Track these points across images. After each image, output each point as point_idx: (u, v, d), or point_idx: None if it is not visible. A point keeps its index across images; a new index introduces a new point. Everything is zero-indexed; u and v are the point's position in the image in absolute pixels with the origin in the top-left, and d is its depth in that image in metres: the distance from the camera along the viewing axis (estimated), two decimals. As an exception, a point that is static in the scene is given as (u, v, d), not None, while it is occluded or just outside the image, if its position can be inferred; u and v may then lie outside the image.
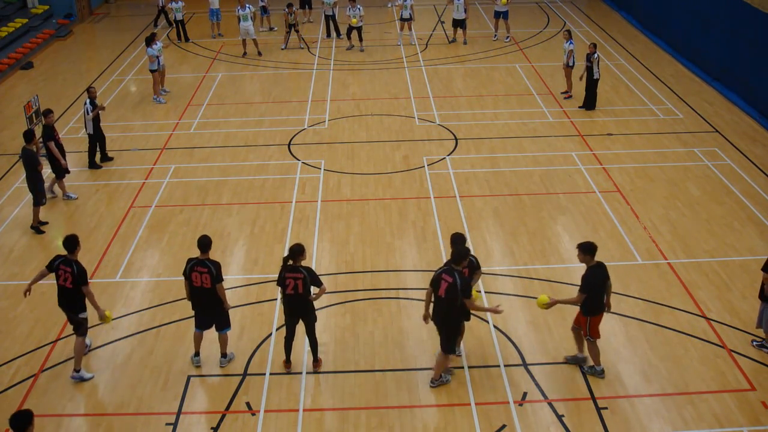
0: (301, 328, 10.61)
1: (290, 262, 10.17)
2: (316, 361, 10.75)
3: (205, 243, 10.43)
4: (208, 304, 10.51)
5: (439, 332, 10.18)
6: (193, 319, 10.81)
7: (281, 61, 24.73)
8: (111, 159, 17.59)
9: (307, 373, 10.71)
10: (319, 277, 10.34)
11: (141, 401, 10.30)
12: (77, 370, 10.73)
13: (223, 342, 10.84)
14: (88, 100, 17.03)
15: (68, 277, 10.40)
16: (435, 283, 9.80)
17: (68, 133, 19.25)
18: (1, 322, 12.06)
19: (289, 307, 10.41)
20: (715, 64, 21.81)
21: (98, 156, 17.41)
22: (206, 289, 10.36)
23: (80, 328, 10.68)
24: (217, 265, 10.40)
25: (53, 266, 10.49)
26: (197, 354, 10.90)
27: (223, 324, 10.73)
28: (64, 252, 10.50)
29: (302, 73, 23.54)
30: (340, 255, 13.62)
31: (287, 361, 10.74)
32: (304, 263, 10.24)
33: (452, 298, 9.63)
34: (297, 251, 10.16)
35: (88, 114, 16.88)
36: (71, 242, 10.50)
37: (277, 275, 10.23)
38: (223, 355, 10.91)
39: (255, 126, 19.54)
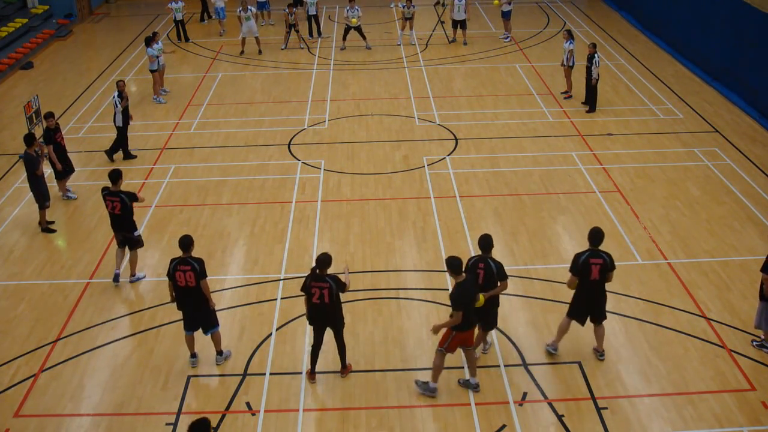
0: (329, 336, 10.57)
1: (317, 270, 10.03)
2: (345, 367, 10.64)
3: (186, 242, 10.39)
4: (194, 303, 10.46)
5: (585, 313, 10.54)
6: (188, 323, 10.72)
7: (281, 61, 24.74)
8: (135, 157, 17.84)
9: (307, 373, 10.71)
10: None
11: (141, 401, 10.30)
12: (133, 275, 12.93)
13: (216, 341, 10.82)
14: (116, 93, 17.30)
15: (117, 205, 12.45)
16: (585, 268, 10.20)
17: (69, 132, 19.23)
18: (1, 322, 12.06)
19: (314, 316, 10.25)
20: (715, 64, 21.81)
21: (106, 152, 17.67)
22: (191, 287, 10.31)
23: (136, 243, 12.81)
24: (201, 262, 10.37)
25: (102, 196, 12.55)
26: (193, 356, 10.88)
27: (209, 324, 10.67)
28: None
29: (302, 73, 23.54)
30: (340, 255, 13.61)
31: (312, 371, 10.55)
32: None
33: (605, 277, 10.30)
34: (325, 261, 9.96)
35: (117, 106, 17.22)
36: (115, 175, 12.45)
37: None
38: (219, 353, 10.89)
39: (255, 126, 19.54)
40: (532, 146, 17.87)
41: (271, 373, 10.73)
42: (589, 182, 16.07)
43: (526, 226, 14.37)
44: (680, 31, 24.28)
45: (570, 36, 20.43)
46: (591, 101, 19.80)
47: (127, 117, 17.50)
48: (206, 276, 10.41)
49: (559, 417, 9.86)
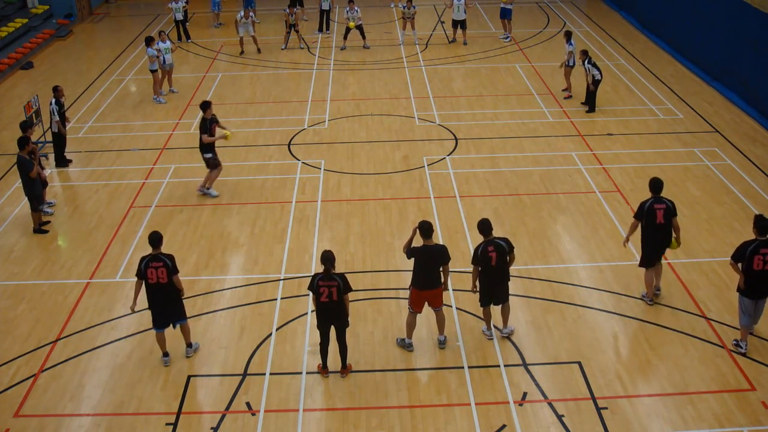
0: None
1: (326, 269, 10.07)
2: (345, 367, 10.68)
3: (156, 238, 10.51)
4: (165, 300, 10.56)
5: (656, 256, 11.59)
6: (159, 320, 10.77)
7: (281, 61, 24.74)
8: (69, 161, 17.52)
9: (307, 373, 10.71)
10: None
11: (141, 401, 10.30)
12: (207, 188, 15.54)
13: (186, 333, 10.96)
14: (53, 99, 17.01)
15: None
16: (650, 213, 11.31)
17: (68, 132, 19.18)
18: (1, 322, 12.06)
19: (323, 315, 10.31)
20: (715, 64, 21.81)
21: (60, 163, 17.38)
22: (163, 284, 10.41)
23: (207, 164, 15.42)
24: (171, 257, 10.50)
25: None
26: (166, 354, 10.91)
27: (179, 315, 10.80)
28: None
29: (302, 73, 23.54)
30: (340, 255, 13.58)
31: (323, 366, 10.65)
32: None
33: (670, 221, 11.49)
34: (331, 258, 10.07)
35: (55, 114, 16.86)
36: (205, 104, 15.19)
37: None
38: (188, 345, 11.03)
39: (255, 126, 19.54)
40: (532, 146, 17.87)
41: (271, 373, 10.73)
42: (589, 182, 16.07)
43: (526, 226, 14.37)
44: (680, 31, 24.27)
45: (570, 37, 20.46)
46: (590, 101, 19.79)
47: (63, 122, 17.15)
48: (178, 271, 10.56)
49: (559, 417, 9.86)
